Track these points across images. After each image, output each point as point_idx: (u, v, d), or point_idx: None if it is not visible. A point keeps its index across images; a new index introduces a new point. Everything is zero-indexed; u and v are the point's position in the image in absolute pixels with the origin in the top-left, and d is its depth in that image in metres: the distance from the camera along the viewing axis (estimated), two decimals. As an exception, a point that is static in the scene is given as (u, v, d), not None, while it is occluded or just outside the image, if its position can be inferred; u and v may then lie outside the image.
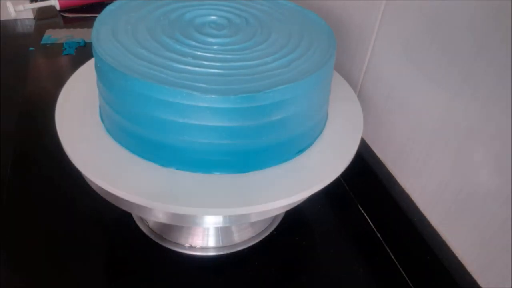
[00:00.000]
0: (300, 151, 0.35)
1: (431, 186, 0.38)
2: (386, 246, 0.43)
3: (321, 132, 0.37)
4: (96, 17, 0.36)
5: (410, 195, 0.41)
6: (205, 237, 0.42)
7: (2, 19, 0.78)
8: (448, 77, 0.34)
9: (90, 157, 0.33)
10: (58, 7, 0.83)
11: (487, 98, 0.31)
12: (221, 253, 0.41)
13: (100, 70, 0.33)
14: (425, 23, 0.36)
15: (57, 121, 0.36)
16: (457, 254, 0.36)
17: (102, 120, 0.36)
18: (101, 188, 0.31)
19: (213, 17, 0.37)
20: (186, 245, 0.41)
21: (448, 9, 0.33)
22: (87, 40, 0.73)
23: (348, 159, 0.35)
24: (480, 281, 0.34)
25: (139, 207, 0.31)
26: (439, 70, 0.35)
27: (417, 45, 0.37)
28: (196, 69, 0.31)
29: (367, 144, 0.47)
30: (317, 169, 0.34)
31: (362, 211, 0.47)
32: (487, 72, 0.31)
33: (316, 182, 0.33)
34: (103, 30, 0.34)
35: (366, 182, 0.46)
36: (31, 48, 0.70)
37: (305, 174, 0.33)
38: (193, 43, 0.34)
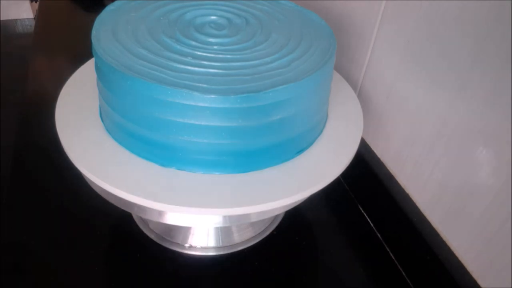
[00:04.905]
0: (300, 151, 0.35)
1: (431, 186, 0.38)
2: (386, 246, 0.43)
3: (321, 132, 0.37)
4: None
5: (410, 195, 0.41)
6: (205, 237, 0.42)
7: (2, 19, 0.78)
8: (449, 76, 0.34)
9: (90, 157, 0.33)
10: None
11: (488, 98, 0.31)
12: (221, 253, 0.41)
13: (100, 70, 0.33)
14: (425, 23, 0.36)
15: (57, 121, 0.36)
16: (457, 254, 0.36)
17: (102, 120, 0.36)
18: (102, 188, 0.31)
19: (213, 17, 0.37)
20: (186, 245, 0.41)
21: (448, 9, 0.33)
22: None
23: (348, 159, 0.35)
24: (480, 281, 0.34)
25: (139, 207, 0.31)
26: (439, 69, 0.35)
27: (417, 45, 0.37)
28: (196, 69, 0.31)
29: (367, 144, 0.47)
30: (317, 169, 0.34)
31: (362, 211, 0.47)
32: (488, 71, 0.31)
33: (316, 182, 0.33)
34: (103, 30, 0.34)
35: (366, 182, 0.46)
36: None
37: (305, 174, 0.33)
38: (193, 43, 0.34)
